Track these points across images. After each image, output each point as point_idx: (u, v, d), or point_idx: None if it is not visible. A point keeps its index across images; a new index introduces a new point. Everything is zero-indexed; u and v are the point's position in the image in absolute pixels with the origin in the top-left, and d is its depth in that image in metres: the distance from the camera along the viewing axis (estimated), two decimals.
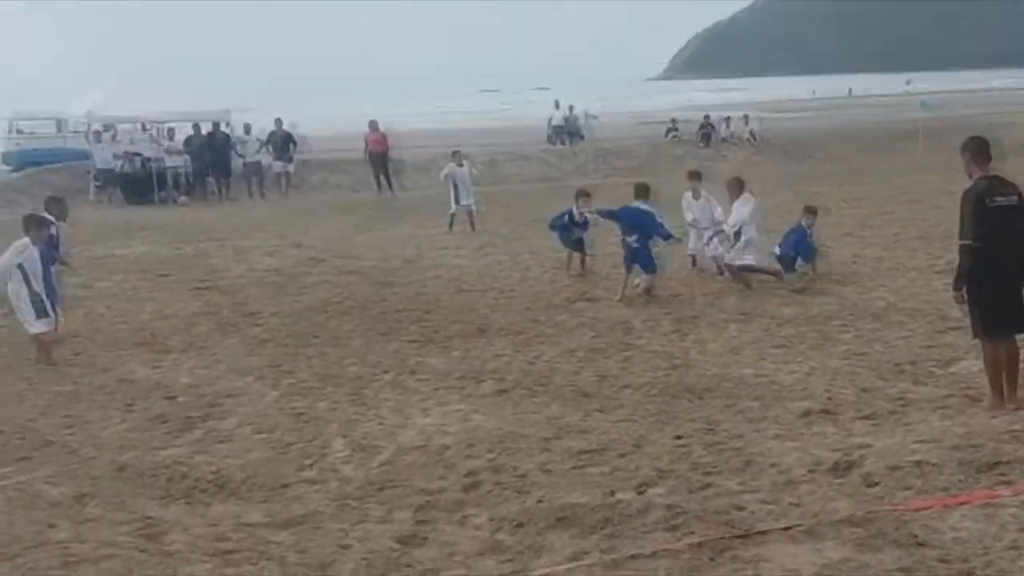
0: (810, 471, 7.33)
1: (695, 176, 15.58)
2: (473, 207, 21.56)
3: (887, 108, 55.92)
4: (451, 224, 21.18)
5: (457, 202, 21.44)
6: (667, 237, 13.95)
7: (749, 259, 14.12)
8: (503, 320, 12.82)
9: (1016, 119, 41.33)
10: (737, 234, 14.14)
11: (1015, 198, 8.27)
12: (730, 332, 11.70)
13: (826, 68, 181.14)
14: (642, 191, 14.20)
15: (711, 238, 14.80)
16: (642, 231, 13.71)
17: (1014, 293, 8.31)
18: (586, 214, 15.21)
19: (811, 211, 14.69)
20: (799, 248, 14.26)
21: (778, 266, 14.17)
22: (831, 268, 14.60)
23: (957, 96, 66.24)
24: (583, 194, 15.71)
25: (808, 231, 14.41)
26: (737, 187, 14.37)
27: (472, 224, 21.21)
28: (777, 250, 14.34)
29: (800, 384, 9.51)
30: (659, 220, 13.91)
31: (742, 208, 14.15)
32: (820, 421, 8.41)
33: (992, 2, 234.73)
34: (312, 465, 8.05)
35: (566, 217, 15.66)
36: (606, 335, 11.83)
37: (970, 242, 8.18)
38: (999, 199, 8.20)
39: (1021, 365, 8.46)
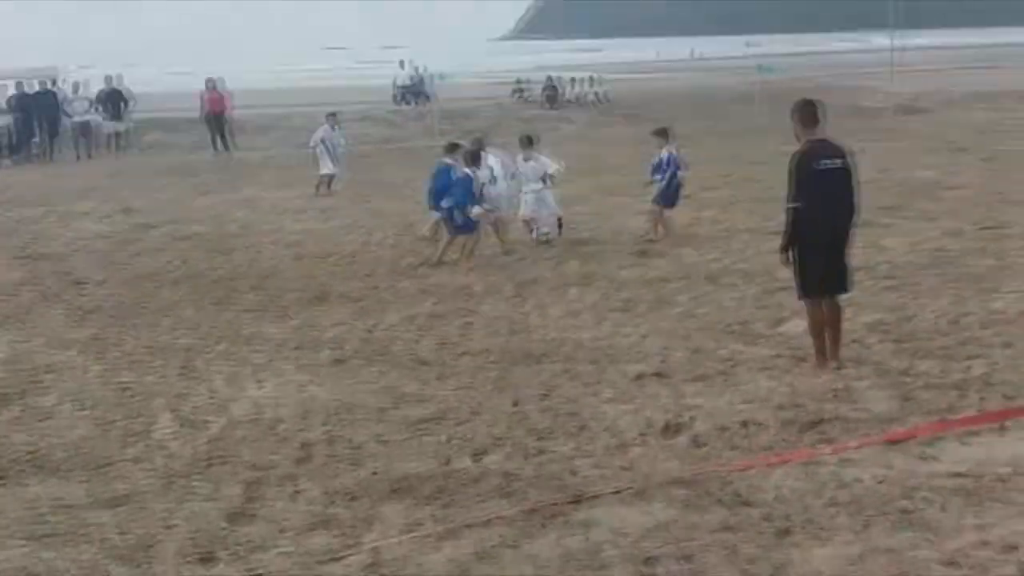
0: (642, 434, 7.44)
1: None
2: (340, 173, 20.90)
3: (728, 71, 57.21)
4: (318, 188, 20.61)
5: (328, 166, 20.85)
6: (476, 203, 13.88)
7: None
8: (343, 287, 12.63)
9: (850, 82, 42.89)
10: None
11: (839, 161, 8.51)
12: (570, 296, 11.79)
13: (670, 30, 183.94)
14: (470, 158, 14.14)
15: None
16: (457, 197, 13.75)
17: (837, 255, 8.58)
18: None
19: (659, 133, 15.19)
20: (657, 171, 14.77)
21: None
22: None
23: (796, 59, 68.25)
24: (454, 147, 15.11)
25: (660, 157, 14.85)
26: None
27: (328, 187, 20.64)
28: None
29: (635, 347, 9.64)
30: (472, 189, 13.85)
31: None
32: (653, 383, 8.55)
33: None
34: (137, 441, 7.75)
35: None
36: (447, 301, 11.76)
37: (796, 205, 8.40)
38: (825, 162, 8.43)
39: (843, 325, 8.78)
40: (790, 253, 8.59)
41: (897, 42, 45.43)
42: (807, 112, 8.62)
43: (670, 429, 7.48)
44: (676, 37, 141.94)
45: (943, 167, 20.56)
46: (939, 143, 24.96)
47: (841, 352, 8.69)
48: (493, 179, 14.15)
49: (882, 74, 43.90)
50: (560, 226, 15.15)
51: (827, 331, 8.64)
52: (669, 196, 14.89)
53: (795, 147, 8.60)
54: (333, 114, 22.16)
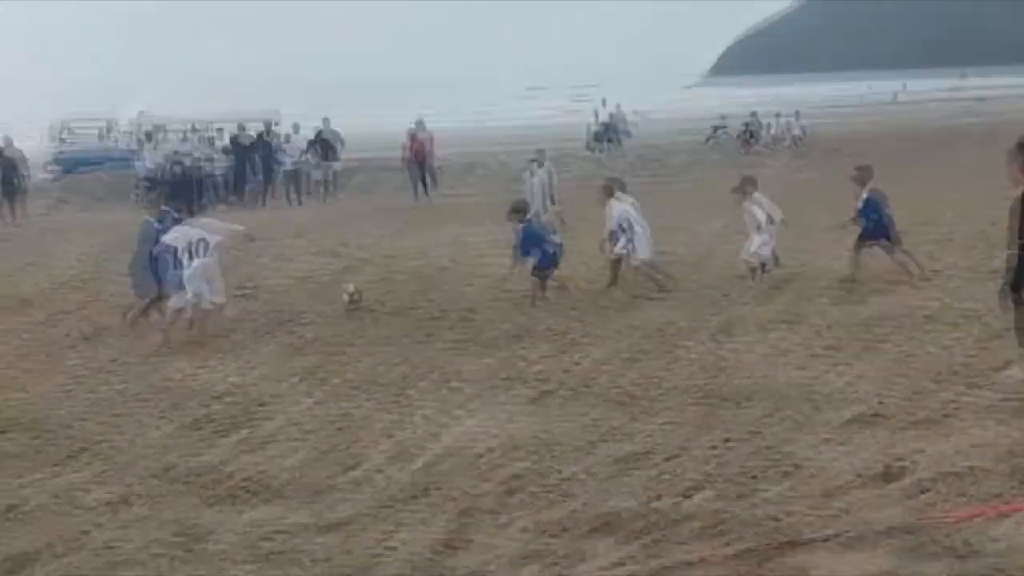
0: (859, 477, 7.19)
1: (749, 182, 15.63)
2: (548, 211, 21.13)
3: (938, 105, 55.24)
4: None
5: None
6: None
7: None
8: (547, 321, 12.75)
9: None
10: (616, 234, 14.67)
11: None
12: (776, 335, 11.54)
13: (878, 64, 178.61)
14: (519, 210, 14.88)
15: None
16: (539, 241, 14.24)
17: None
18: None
19: (861, 170, 14.79)
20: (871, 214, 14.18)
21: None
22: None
23: (1010, 92, 65.17)
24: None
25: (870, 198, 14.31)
26: (606, 193, 15.21)
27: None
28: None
29: (848, 388, 9.34)
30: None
31: (610, 211, 14.87)
32: (868, 427, 8.24)
33: None
34: (355, 467, 8.01)
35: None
36: (650, 338, 11.71)
37: (1021, 246, 8.01)
38: None
39: None
40: (1011, 298, 8.16)
41: None
42: None
43: (889, 474, 7.19)
44: (884, 70, 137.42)
45: None
46: None
47: None
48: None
49: None
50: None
51: None
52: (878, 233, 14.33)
53: (1012, 187, 8.21)
54: (541, 150, 22.45)
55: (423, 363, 11.09)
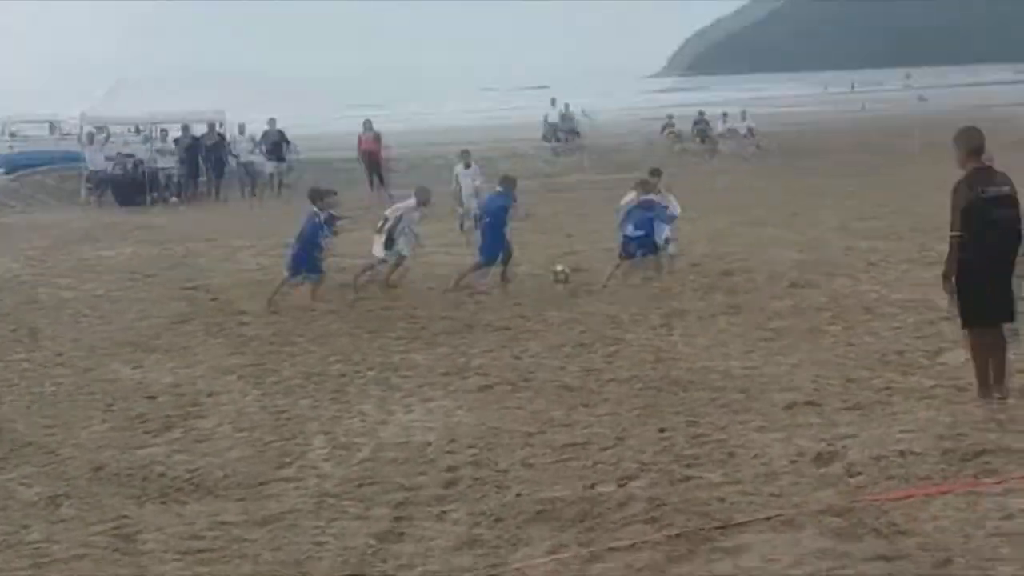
0: (793, 462, 7.25)
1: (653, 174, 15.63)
2: (473, 211, 21.13)
3: (887, 103, 55.93)
4: (461, 225, 20.78)
5: (460, 203, 21.00)
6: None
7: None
8: (490, 316, 12.74)
9: (1013, 112, 41.28)
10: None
11: (1006, 188, 8.18)
12: (719, 325, 11.62)
13: (831, 64, 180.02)
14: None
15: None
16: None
17: (1003, 283, 8.20)
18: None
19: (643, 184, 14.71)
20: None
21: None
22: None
23: (956, 90, 66.13)
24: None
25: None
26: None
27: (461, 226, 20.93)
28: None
29: (786, 376, 9.42)
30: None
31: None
32: (805, 412, 8.32)
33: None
34: (291, 463, 7.95)
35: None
36: (593, 330, 11.73)
37: (960, 233, 8.08)
38: (991, 190, 8.11)
39: (1007, 355, 8.38)
40: (953, 282, 8.25)
41: None
42: (972, 139, 8.31)
43: (823, 458, 7.26)
44: (837, 71, 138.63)
45: None
46: None
47: (1005, 382, 8.30)
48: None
49: None
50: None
51: (991, 361, 8.26)
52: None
53: (957, 176, 8.30)
54: (466, 151, 22.18)
55: (366, 358, 11.03)
